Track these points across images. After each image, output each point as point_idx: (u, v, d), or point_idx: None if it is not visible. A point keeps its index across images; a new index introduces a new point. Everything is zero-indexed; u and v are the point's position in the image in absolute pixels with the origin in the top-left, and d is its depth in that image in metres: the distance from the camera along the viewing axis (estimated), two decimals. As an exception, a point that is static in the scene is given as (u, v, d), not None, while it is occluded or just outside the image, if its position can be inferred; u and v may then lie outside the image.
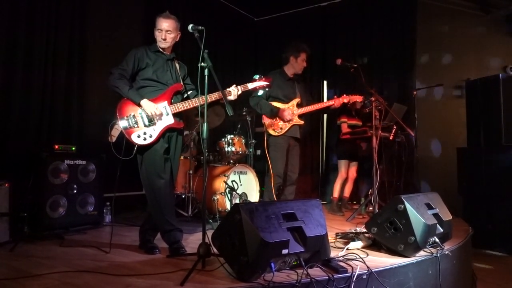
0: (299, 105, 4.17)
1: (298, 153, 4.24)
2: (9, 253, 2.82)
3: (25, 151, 3.83)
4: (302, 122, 4.14)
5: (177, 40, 3.04)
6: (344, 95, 4.23)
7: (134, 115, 2.83)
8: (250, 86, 3.12)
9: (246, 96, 4.07)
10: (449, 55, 5.82)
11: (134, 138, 2.80)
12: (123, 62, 2.92)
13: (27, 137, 4.00)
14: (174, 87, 2.97)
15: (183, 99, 3.04)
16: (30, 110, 4.06)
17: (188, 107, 2.93)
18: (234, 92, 2.99)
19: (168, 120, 2.90)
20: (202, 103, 2.82)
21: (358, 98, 4.22)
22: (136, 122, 2.82)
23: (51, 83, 4.24)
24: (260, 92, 3.83)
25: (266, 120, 4.04)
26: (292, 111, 4.06)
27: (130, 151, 2.83)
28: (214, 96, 2.91)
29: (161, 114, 2.86)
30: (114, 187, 2.82)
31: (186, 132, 4.41)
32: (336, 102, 4.17)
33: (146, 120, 2.84)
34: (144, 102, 2.82)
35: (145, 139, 2.82)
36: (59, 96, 4.34)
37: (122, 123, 2.79)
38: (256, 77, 3.18)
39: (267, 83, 3.18)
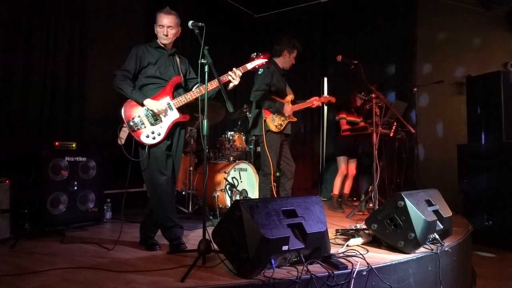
0: (292, 102, 4.16)
1: (288, 146, 4.22)
2: (10, 249, 2.82)
3: (25, 148, 3.84)
4: (295, 119, 4.12)
5: (178, 35, 3.03)
6: (317, 97, 4.24)
7: (139, 115, 2.82)
8: (249, 66, 3.01)
9: (246, 93, 4.06)
10: (449, 51, 5.80)
11: (143, 139, 2.80)
12: (125, 62, 2.91)
13: (28, 134, 4.01)
14: (174, 81, 2.95)
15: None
16: (31, 106, 4.05)
17: (191, 99, 2.90)
18: (235, 75, 2.87)
19: (173, 115, 2.89)
20: (203, 93, 2.70)
21: (331, 99, 4.22)
22: (143, 123, 2.82)
23: (51, 80, 4.24)
24: (260, 71, 3.77)
25: (267, 115, 3.99)
26: (290, 108, 4.04)
27: (136, 150, 2.84)
28: (214, 84, 2.81)
29: (166, 110, 2.85)
30: (125, 185, 2.82)
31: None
32: (315, 102, 4.17)
33: (152, 119, 2.83)
34: (148, 101, 2.81)
35: (154, 138, 2.81)
36: (59, 93, 4.35)
37: (129, 126, 2.80)
38: (254, 55, 3.06)
39: (266, 60, 3.05)
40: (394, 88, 5.84)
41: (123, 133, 2.83)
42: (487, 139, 4.73)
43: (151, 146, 2.82)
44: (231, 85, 2.92)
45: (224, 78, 2.87)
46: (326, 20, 6.82)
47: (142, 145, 2.82)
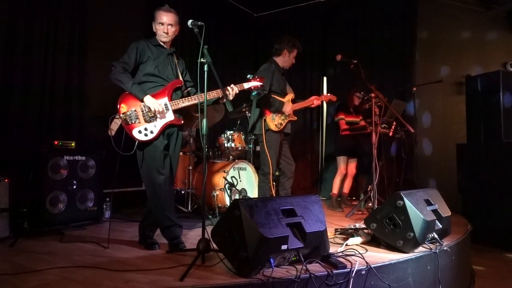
0: (292, 101, 4.16)
1: (288, 145, 4.22)
2: (9, 248, 2.82)
3: (25, 147, 3.84)
4: (295, 118, 4.13)
5: (176, 34, 3.03)
6: (317, 96, 4.25)
7: (135, 110, 2.82)
8: (246, 86, 3.09)
9: (246, 92, 4.05)
10: (449, 51, 5.80)
11: (135, 133, 2.79)
12: (125, 55, 2.90)
13: (27, 133, 4.00)
14: (174, 83, 2.96)
15: (183, 96, 3.03)
16: (30, 105, 4.05)
17: (188, 104, 2.92)
18: (231, 91, 2.94)
19: (168, 117, 2.89)
20: (202, 100, 2.76)
21: (332, 98, 4.23)
22: (138, 118, 2.82)
23: (51, 79, 4.24)
24: (254, 93, 3.81)
25: (267, 115, 3.99)
26: (290, 106, 4.04)
27: (129, 146, 2.83)
28: (213, 94, 2.90)
29: (162, 111, 2.85)
30: (114, 182, 2.82)
31: (185, 128, 4.41)
32: (315, 102, 4.17)
33: (148, 116, 2.83)
34: (147, 98, 2.81)
35: (146, 135, 2.81)
36: (59, 92, 4.34)
37: (123, 118, 2.79)
38: (250, 77, 3.16)
39: (261, 83, 3.16)
40: (393, 88, 5.84)
41: (114, 125, 2.83)
42: (486, 139, 4.73)
43: (142, 142, 2.82)
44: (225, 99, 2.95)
45: (222, 91, 2.89)
46: (326, 19, 6.82)
47: (133, 139, 2.81)
